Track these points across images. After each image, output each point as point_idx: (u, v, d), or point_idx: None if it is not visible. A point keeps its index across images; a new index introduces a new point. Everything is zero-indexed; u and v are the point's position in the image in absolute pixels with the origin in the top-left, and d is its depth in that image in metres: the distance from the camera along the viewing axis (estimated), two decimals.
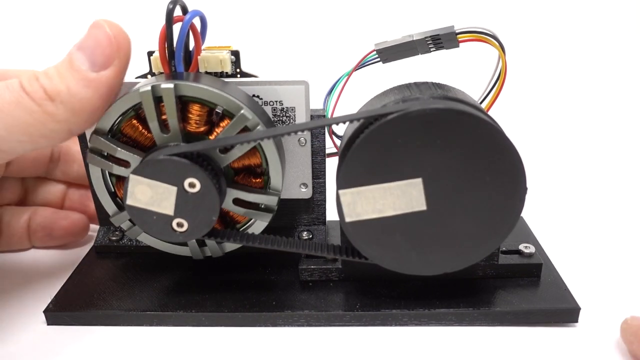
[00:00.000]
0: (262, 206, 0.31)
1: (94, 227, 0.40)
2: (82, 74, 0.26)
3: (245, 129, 0.28)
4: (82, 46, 0.26)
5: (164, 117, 0.28)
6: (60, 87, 0.25)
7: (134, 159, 0.29)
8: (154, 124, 0.28)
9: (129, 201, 0.28)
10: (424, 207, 0.27)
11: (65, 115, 0.26)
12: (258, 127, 0.28)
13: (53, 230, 0.37)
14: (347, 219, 0.28)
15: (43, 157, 0.37)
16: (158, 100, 0.28)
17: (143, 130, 0.30)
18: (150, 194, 0.27)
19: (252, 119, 0.28)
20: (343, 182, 0.27)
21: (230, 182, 0.31)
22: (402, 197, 0.27)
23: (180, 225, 0.28)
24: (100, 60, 0.26)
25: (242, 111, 0.28)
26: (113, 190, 0.32)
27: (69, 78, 0.26)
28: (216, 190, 0.27)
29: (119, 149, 0.29)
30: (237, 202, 0.31)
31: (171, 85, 0.27)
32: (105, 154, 0.30)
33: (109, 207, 0.32)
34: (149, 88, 0.27)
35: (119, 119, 0.29)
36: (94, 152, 0.29)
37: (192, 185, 0.27)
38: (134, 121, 0.30)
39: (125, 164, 0.30)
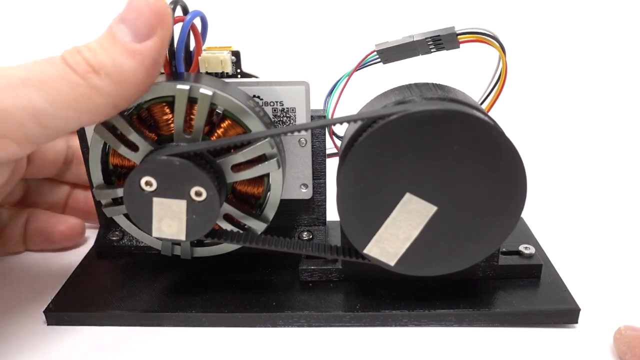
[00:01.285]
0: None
1: (91, 228, 0.40)
2: (126, 46, 0.25)
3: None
4: (124, 18, 0.25)
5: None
6: (104, 60, 0.25)
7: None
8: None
9: (185, 238, 0.29)
10: (435, 208, 0.27)
11: (111, 88, 0.25)
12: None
13: (51, 234, 0.37)
14: (392, 263, 0.28)
15: (61, 157, 0.37)
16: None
17: (143, 130, 0.30)
18: (170, 218, 0.28)
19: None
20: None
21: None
22: (411, 215, 0.27)
23: (198, 194, 0.28)
24: (143, 31, 0.25)
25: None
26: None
27: (112, 50, 0.25)
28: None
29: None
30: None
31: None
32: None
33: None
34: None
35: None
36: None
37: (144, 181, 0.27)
38: (133, 119, 0.30)
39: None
